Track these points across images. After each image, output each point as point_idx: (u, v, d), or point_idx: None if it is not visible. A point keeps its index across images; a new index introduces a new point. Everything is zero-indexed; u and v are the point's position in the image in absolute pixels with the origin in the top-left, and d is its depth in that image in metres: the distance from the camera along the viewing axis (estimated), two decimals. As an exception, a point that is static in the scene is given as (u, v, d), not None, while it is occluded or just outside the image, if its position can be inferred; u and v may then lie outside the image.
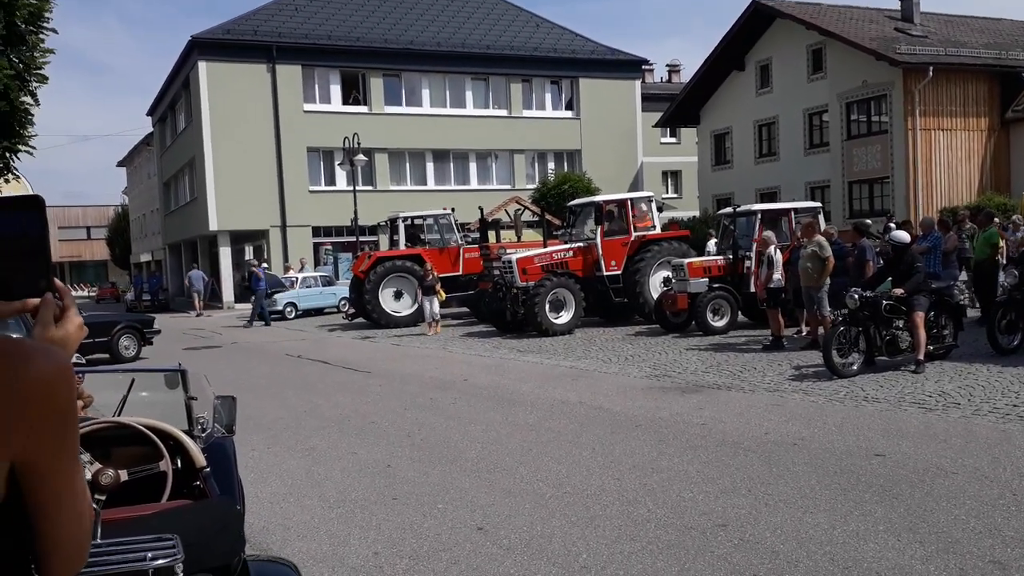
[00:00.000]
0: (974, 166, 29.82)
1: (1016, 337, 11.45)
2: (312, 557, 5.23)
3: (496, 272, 18.91)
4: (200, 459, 3.83)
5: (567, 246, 18.94)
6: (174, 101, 42.62)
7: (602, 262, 18.29)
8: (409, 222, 23.43)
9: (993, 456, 6.68)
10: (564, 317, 17.81)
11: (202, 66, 35.21)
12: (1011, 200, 25.44)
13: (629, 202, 19.03)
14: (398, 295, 22.14)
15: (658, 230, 19.31)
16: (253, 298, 26.44)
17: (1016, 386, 9.35)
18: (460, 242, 23.03)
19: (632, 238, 18.52)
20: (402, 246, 22.90)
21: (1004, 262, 15.01)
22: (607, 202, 19.08)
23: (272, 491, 6.76)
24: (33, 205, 1.35)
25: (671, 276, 17.19)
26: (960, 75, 29.42)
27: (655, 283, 18.35)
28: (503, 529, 5.56)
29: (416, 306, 21.67)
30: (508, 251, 20.06)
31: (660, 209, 22.44)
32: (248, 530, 5.24)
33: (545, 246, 19.77)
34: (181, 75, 39.26)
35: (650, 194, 20.17)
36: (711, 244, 22.42)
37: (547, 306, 17.56)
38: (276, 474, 7.32)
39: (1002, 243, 14.89)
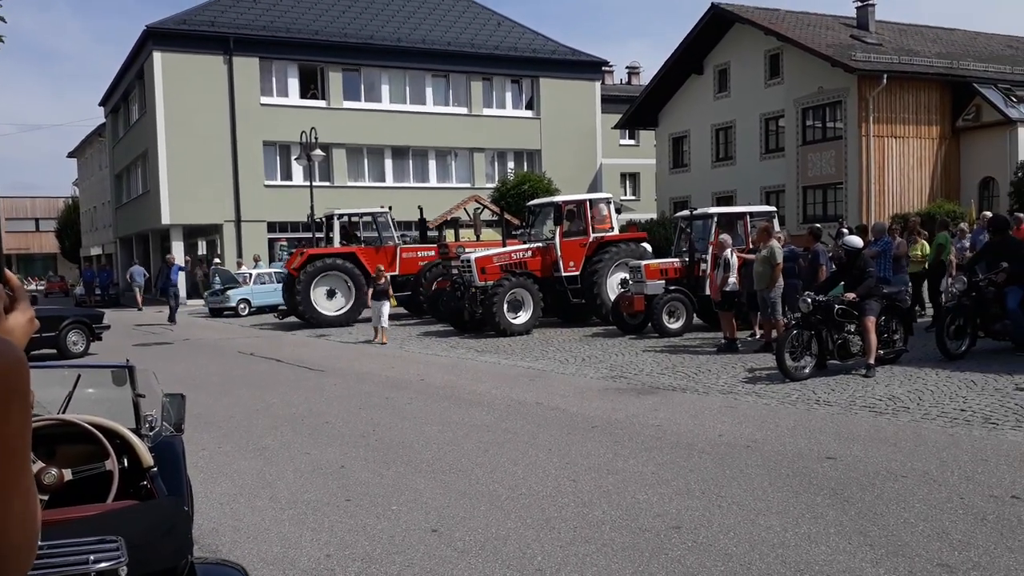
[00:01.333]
0: (925, 173, 30.43)
1: (964, 342, 11.68)
2: (263, 559, 5.14)
3: (454, 271, 18.83)
4: (147, 458, 3.73)
5: (526, 246, 18.92)
6: (127, 92, 41.85)
7: (560, 263, 18.26)
8: (345, 219, 23.11)
9: (941, 460, 6.79)
10: (522, 317, 17.79)
11: (157, 56, 34.62)
12: (960, 207, 26.00)
13: (588, 203, 19.07)
14: (331, 294, 21.80)
15: (616, 232, 19.39)
16: (172, 292, 25.77)
17: (964, 391, 9.53)
18: (397, 241, 22.74)
19: (590, 239, 18.55)
20: (337, 244, 22.53)
21: (952, 269, 15.32)
22: (566, 203, 19.08)
23: (222, 491, 6.64)
24: None
25: (628, 278, 17.27)
26: (913, 83, 30.01)
27: (612, 284, 18.41)
28: (458, 531, 5.51)
29: (349, 306, 21.55)
30: (467, 250, 19.97)
31: (619, 211, 22.53)
32: (197, 531, 5.14)
33: (504, 245, 19.73)
34: (135, 65, 38.56)
35: (609, 196, 20.24)
36: None
37: (505, 306, 17.52)
38: (227, 474, 7.19)
39: (952, 252, 15.20)
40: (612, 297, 17.90)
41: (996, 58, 33.21)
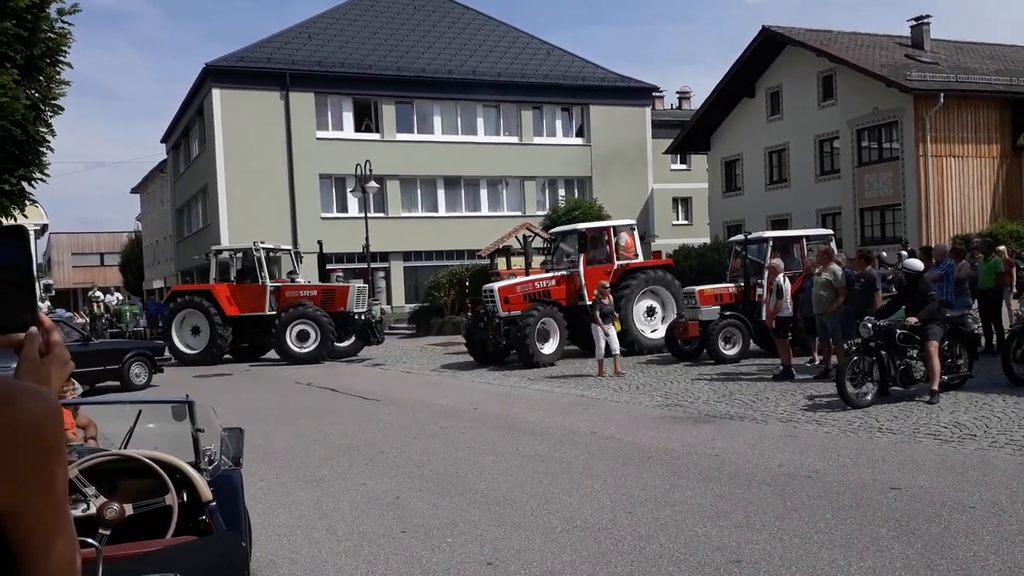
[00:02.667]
0: (986, 193, 29.73)
1: (1032, 367, 11.31)
2: (319, 592, 5.16)
3: (480, 305, 18.56)
4: (206, 493, 3.79)
5: (550, 275, 18.70)
6: (188, 128, 42.99)
7: (585, 291, 17.57)
8: (226, 256, 23.19)
9: (1011, 490, 6.57)
10: (550, 347, 17.41)
11: (216, 93, 35.53)
12: (1024, 227, 25.32)
13: (612, 230, 18.81)
14: (195, 330, 21.76)
15: (640, 259, 19.13)
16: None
17: (1033, 417, 9.22)
18: (265, 281, 22.03)
19: (615, 267, 18.25)
20: (211, 280, 22.48)
21: (1015, 291, 14.91)
22: (589, 230, 18.82)
23: (280, 523, 6.70)
24: (16, 234, 1.30)
25: (654, 305, 17.11)
26: (971, 101, 29.41)
27: (639, 313, 18.23)
28: (513, 564, 5.47)
29: (204, 345, 21.36)
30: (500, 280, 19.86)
31: (643, 238, 22.42)
32: (255, 563, 5.19)
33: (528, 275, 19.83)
34: (195, 102, 39.61)
35: (632, 222, 20.04)
36: None
37: (536, 335, 17.22)
38: (284, 505, 7.26)
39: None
40: (638, 326, 17.91)
41: (1058, 73, 32.41)
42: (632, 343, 17.70)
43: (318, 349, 20.95)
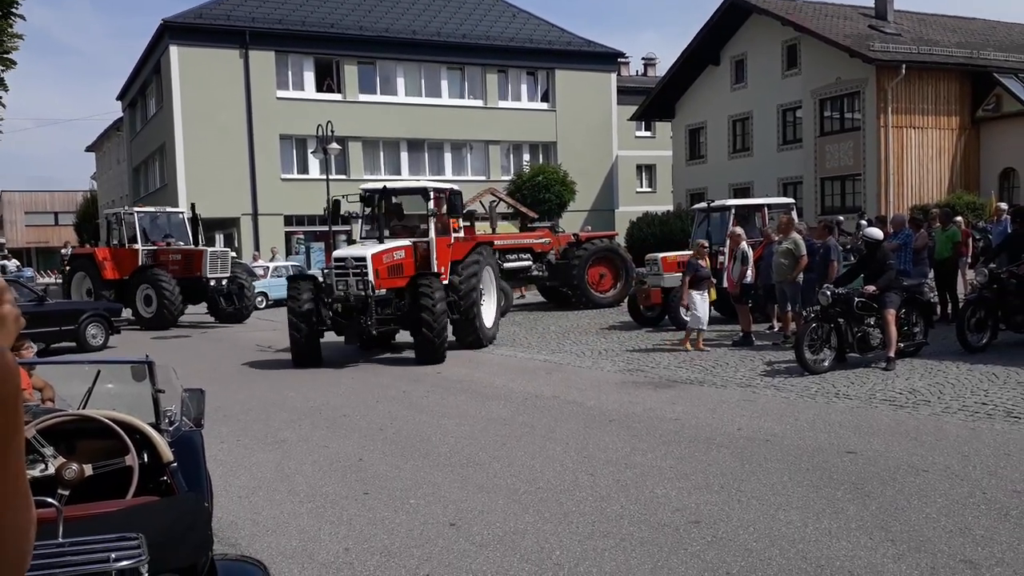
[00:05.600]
0: (944, 164, 30.14)
1: (985, 335, 11.56)
2: (282, 553, 5.15)
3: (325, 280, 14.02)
4: (167, 454, 3.74)
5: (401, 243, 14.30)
6: (144, 86, 42.04)
7: (434, 262, 14.33)
8: (132, 218, 22.97)
9: (963, 454, 6.73)
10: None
11: (174, 51, 34.75)
12: (980, 198, 25.74)
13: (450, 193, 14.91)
14: (90, 293, 22.04)
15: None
16: None
17: (985, 384, 9.45)
18: (135, 245, 22.11)
19: (451, 239, 14.79)
20: (121, 243, 22.50)
21: (970, 260, 15.18)
22: (437, 191, 14.88)
23: (242, 485, 6.67)
24: None
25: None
26: (932, 73, 29.69)
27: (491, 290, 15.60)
28: (476, 525, 5.51)
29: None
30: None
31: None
32: (216, 524, 5.15)
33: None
34: (152, 59, 38.73)
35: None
36: None
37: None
38: (246, 467, 7.22)
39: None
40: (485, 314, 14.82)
41: (1017, 47, 32.79)
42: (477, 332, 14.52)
43: (158, 313, 20.69)
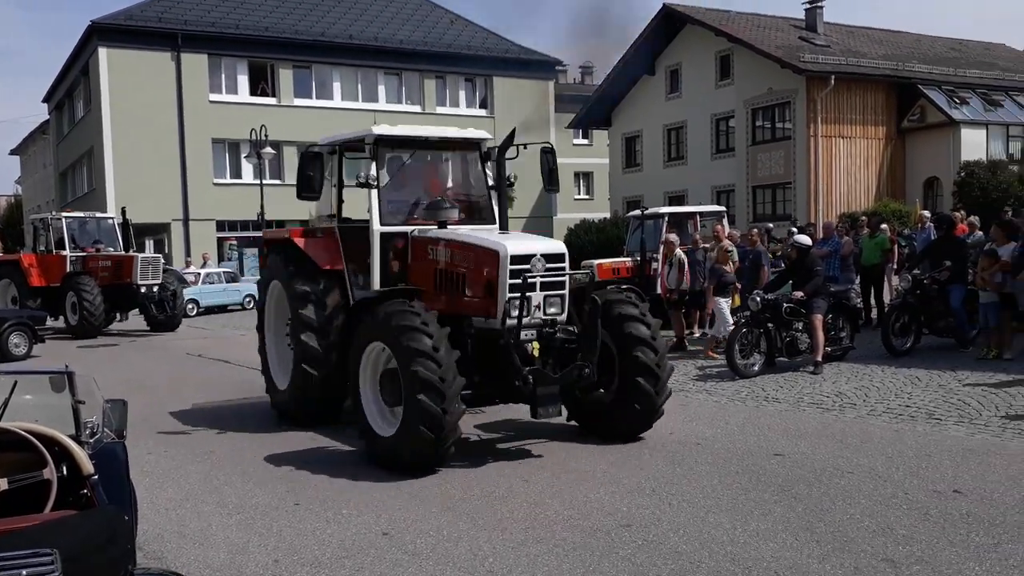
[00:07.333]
0: (872, 173, 30.97)
1: (909, 340, 11.88)
2: (209, 566, 5.05)
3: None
4: (87, 466, 3.64)
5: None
6: (72, 88, 40.97)
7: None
8: (39, 224, 22.71)
9: (887, 455, 6.91)
10: None
11: (102, 52, 33.94)
12: (906, 206, 26.51)
13: None
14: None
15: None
16: None
17: (909, 387, 9.72)
18: (64, 251, 21.42)
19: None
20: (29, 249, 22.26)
21: (896, 267, 15.60)
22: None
23: (168, 497, 6.52)
24: None
25: None
26: (860, 85, 30.52)
27: None
28: (409, 534, 5.47)
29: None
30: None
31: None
32: (141, 538, 5.04)
33: None
34: (80, 61, 37.76)
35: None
36: None
37: None
38: (173, 479, 7.06)
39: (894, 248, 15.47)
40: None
41: (940, 60, 33.91)
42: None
43: (80, 322, 20.07)
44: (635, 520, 5.55)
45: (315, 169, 8.86)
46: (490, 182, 9.50)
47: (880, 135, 31.02)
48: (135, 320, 22.10)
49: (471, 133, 9.97)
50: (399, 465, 6.84)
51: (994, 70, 33.84)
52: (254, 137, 27.62)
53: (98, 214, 24.24)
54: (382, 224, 8.48)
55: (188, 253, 33.84)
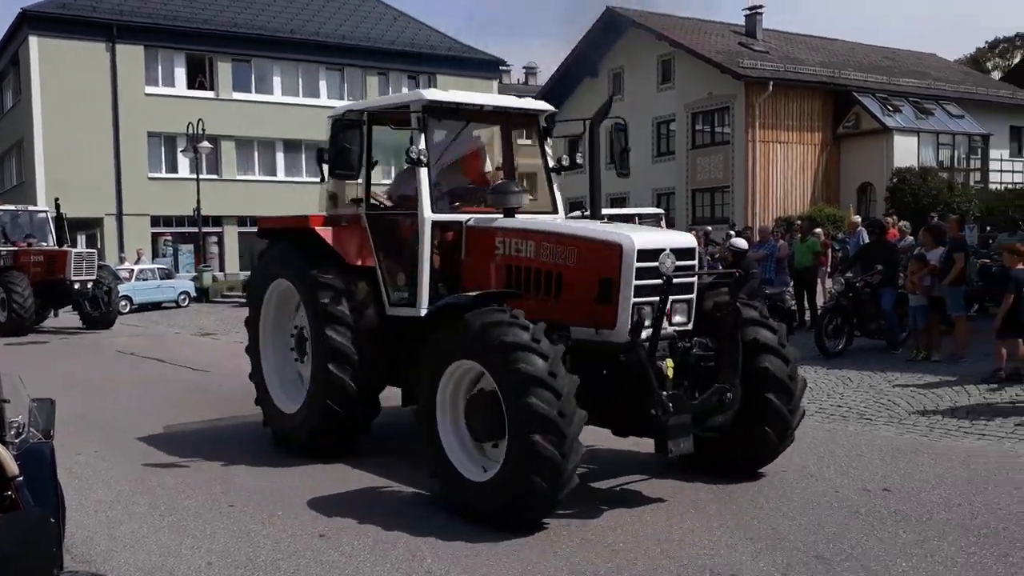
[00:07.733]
0: (808, 178, 31.66)
1: (841, 341, 12.18)
2: (140, 569, 4.94)
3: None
4: (12, 467, 3.53)
5: None
6: (1, 77, 39.71)
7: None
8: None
9: (819, 455, 7.06)
10: None
11: (33, 41, 32.96)
12: (840, 211, 27.15)
13: None
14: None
15: None
16: None
17: (841, 388, 9.95)
18: None
19: None
20: None
21: (828, 270, 15.97)
22: None
23: (98, 499, 6.35)
24: None
25: None
26: (797, 91, 31.18)
27: None
28: (346, 535, 5.42)
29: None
30: None
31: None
32: (70, 541, 4.91)
33: None
34: (9, 50, 36.62)
35: None
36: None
37: None
38: (104, 480, 6.88)
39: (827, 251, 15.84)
40: None
41: (875, 68, 34.82)
42: None
43: (9, 319, 19.30)
44: (573, 519, 5.58)
45: (352, 140, 6.98)
46: (550, 163, 8.45)
47: (816, 141, 31.72)
48: (69, 317, 21.53)
49: (533, 104, 8.49)
50: (495, 515, 5.42)
51: (926, 79, 34.90)
52: (191, 131, 27.12)
53: (31, 207, 23.46)
54: (434, 212, 7.01)
55: (122, 248, 33.07)
